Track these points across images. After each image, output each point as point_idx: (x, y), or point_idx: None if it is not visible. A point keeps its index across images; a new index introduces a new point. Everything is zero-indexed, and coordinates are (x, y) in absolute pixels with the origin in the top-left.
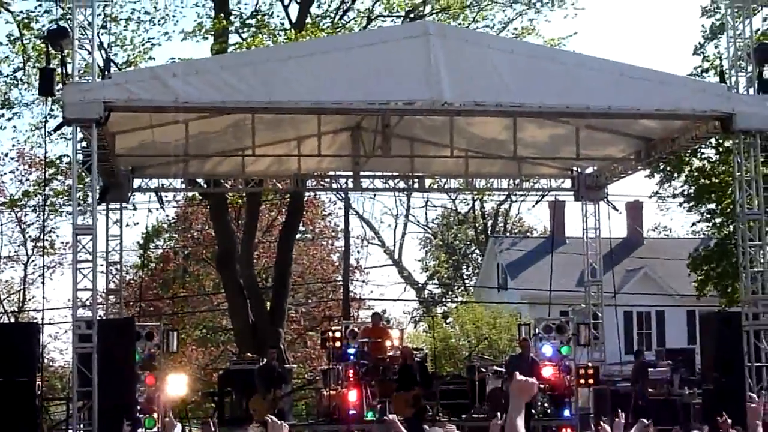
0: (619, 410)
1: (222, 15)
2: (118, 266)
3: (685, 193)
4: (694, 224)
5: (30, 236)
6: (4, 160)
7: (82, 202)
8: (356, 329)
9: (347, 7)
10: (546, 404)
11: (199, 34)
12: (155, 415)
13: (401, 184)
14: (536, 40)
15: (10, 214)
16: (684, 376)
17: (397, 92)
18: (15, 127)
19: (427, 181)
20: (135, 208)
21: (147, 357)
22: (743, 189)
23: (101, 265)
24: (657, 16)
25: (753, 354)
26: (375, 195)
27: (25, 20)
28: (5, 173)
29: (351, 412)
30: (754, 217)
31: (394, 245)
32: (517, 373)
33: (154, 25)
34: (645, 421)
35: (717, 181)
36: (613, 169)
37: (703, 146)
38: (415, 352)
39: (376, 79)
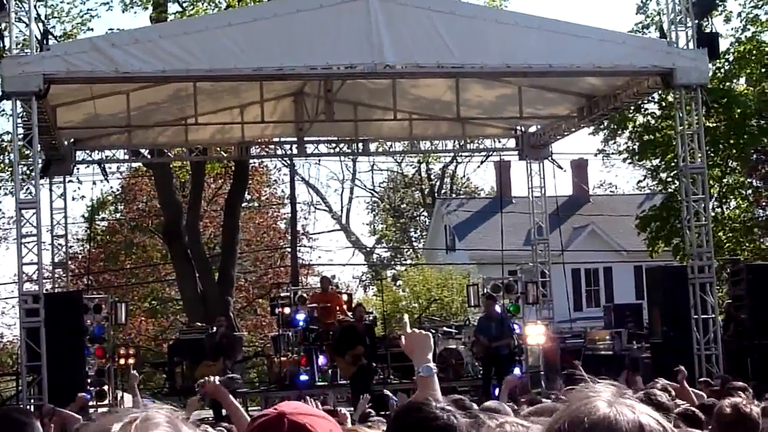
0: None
1: None
2: (64, 240)
3: (629, 149)
4: (639, 182)
5: None
6: None
7: (24, 176)
8: (305, 295)
9: None
10: None
11: (138, 4)
12: (105, 388)
13: (346, 149)
14: (477, 0)
15: None
16: (632, 330)
17: (339, 56)
18: None
19: (372, 145)
20: (79, 181)
21: (96, 330)
22: (686, 143)
23: (46, 240)
24: None
25: (699, 307)
26: (320, 160)
27: None
28: None
29: (302, 377)
30: (696, 171)
31: (341, 210)
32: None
33: None
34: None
35: (660, 136)
36: (557, 127)
37: (646, 101)
38: (365, 315)
39: (317, 44)
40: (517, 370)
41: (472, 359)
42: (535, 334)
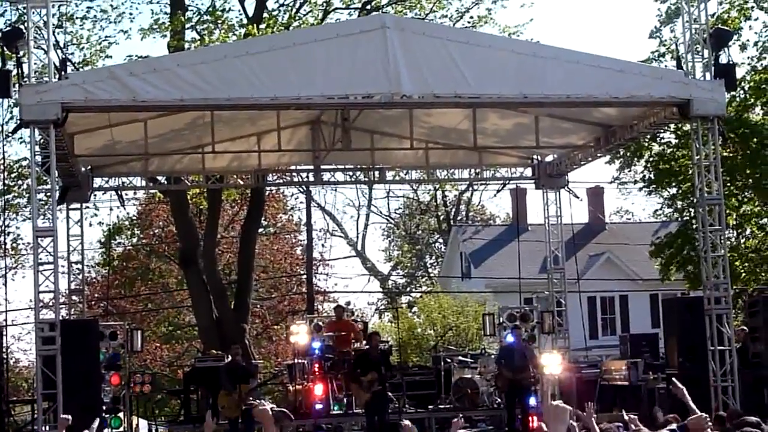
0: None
1: (179, 11)
2: (80, 266)
3: (645, 177)
4: (656, 212)
5: None
6: None
7: (42, 204)
8: (321, 323)
9: (303, 0)
10: None
11: (157, 31)
12: (121, 415)
13: (362, 177)
14: (493, 29)
15: None
16: (648, 361)
17: (356, 86)
18: None
19: (389, 173)
20: (96, 208)
21: (111, 357)
22: (702, 174)
23: (63, 266)
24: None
25: (716, 338)
26: (336, 187)
27: None
28: None
29: (317, 406)
30: (713, 202)
31: (357, 236)
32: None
33: (110, 23)
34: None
35: (676, 165)
36: (573, 156)
37: (663, 131)
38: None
39: (334, 74)
40: (532, 400)
41: (488, 388)
42: (551, 364)
